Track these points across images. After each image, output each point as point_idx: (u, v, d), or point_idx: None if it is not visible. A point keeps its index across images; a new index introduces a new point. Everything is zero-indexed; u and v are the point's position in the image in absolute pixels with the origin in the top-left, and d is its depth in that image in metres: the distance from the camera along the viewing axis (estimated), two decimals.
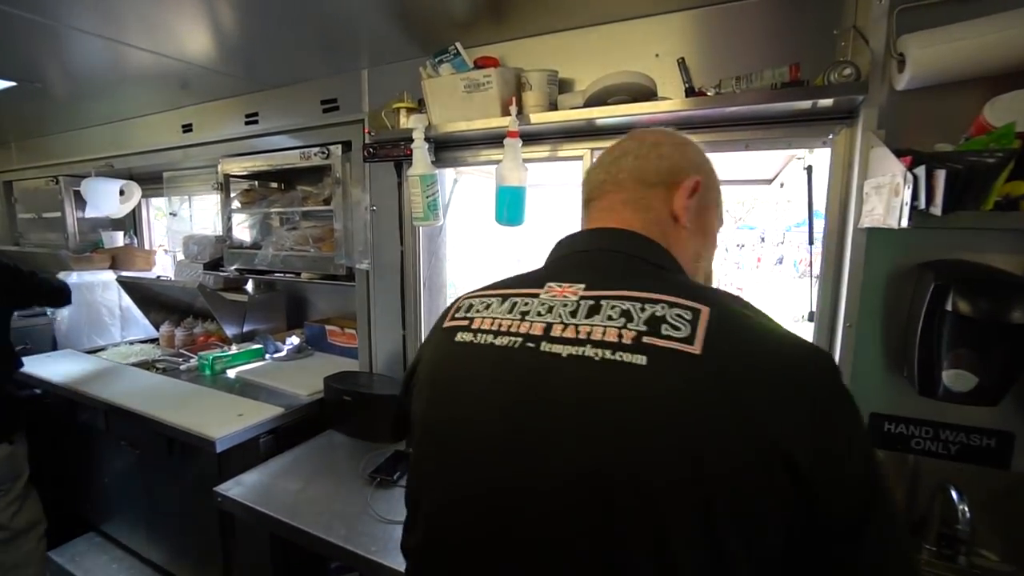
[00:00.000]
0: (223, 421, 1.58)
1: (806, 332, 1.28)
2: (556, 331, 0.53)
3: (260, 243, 2.25)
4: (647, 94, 1.22)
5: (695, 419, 0.44)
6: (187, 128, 2.33)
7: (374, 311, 1.94)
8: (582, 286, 0.57)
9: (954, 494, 0.96)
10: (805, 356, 0.48)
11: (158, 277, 2.61)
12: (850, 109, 1.13)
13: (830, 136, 1.19)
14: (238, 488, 1.34)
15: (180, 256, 2.72)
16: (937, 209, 0.74)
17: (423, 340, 0.71)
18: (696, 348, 0.46)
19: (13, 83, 2.00)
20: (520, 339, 0.55)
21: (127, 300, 2.75)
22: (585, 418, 0.48)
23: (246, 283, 2.61)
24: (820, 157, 1.40)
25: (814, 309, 1.25)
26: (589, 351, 0.50)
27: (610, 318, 0.51)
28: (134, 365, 2.21)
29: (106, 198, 2.61)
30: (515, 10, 1.36)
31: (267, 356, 2.28)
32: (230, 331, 2.42)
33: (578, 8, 1.35)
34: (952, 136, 0.98)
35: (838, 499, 0.44)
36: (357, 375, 1.90)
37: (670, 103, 1.19)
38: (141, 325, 2.85)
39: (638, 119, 1.28)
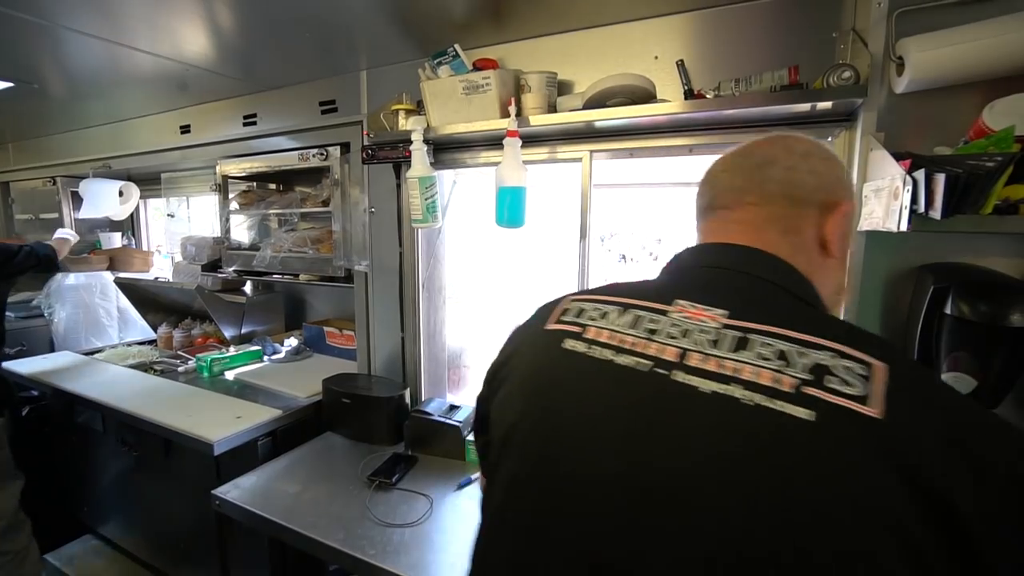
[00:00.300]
0: (221, 423, 1.57)
1: None
2: (693, 360, 0.46)
3: (258, 244, 2.25)
4: (646, 96, 1.22)
5: (877, 495, 0.36)
6: (185, 129, 2.33)
7: (373, 313, 1.94)
8: (723, 312, 0.49)
9: None
10: (1007, 442, 0.39)
11: (156, 278, 2.59)
12: (849, 112, 1.13)
13: (829, 139, 1.19)
14: (236, 491, 1.33)
15: (178, 257, 2.71)
16: (936, 213, 0.74)
17: (513, 333, 0.65)
18: (876, 411, 0.39)
19: (10, 84, 2.00)
20: (649, 362, 0.48)
21: (125, 301, 2.75)
22: (729, 475, 0.40)
23: (244, 284, 2.61)
24: None
25: None
26: (737, 391, 0.43)
27: (762, 357, 0.44)
28: (132, 367, 2.20)
29: (105, 199, 2.60)
30: (514, 12, 1.36)
31: (265, 358, 2.27)
32: (228, 333, 2.42)
33: (577, 10, 1.35)
34: (951, 139, 0.98)
35: None
36: (356, 377, 1.89)
37: (669, 105, 1.19)
38: (139, 327, 2.85)
39: (637, 121, 1.28)
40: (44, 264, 2.12)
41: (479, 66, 1.38)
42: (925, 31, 0.97)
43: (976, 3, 0.95)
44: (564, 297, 0.62)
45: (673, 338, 0.49)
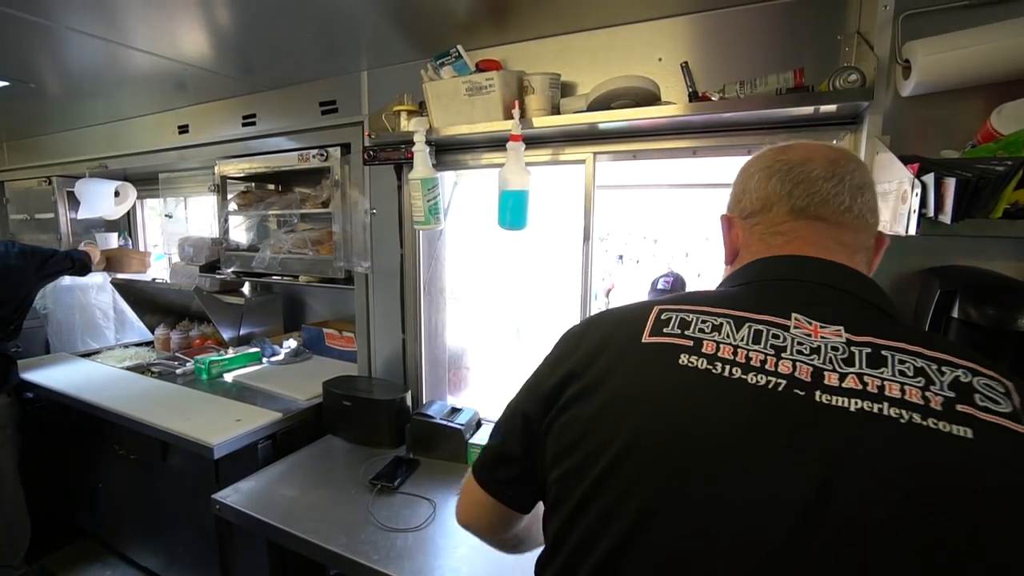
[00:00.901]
0: (221, 427, 1.56)
1: None
2: (831, 379, 0.44)
3: (257, 245, 2.23)
4: (651, 98, 1.22)
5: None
6: (183, 129, 2.31)
7: (373, 314, 1.93)
8: (839, 328, 0.48)
9: None
10: None
11: (153, 279, 2.57)
12: (854, 115, 1.13)
13: (834, 141, 1.18)
14: (236, 495, 1.32)
15: (176, 258, 2.69)
16: (947, 217, 0.74)
17: (575, 341, 0.58)
18: None
19: (7, 83, 1.97)
20: (783, 381, 0.45)
21: (121, 302, 2.72)
22: (891, 497, 0.39)
23: (242, 286, 2.59)
24: None
25: None
26: (890, 410, 0.41)
27: (903, 374, 0.43)
28: (128, 369, 2.19)
29: (101, 199, 2.58)
30: (517, 13, 1.36)
31: (264, 360, 2.26)
32: (226, 334, 2.40)
33: (580, 12, 1.34)
34: (957, 142, 0.98)
35: None
36: (356, 379, 1.88)
37: (674, 108, 1.18)
38: (136, 328, 2.82)
39: (641, 123, 1.28)
40: (78, 268, 2.18)
41: (482, 67, 1.37)
42: (931, 34, 0.97)
43: (984, 6, 0.95)
44: (646, 306, 0.56)
45: (803, 355, 0.46)
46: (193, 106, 2.27)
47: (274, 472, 1.45)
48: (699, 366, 0.48)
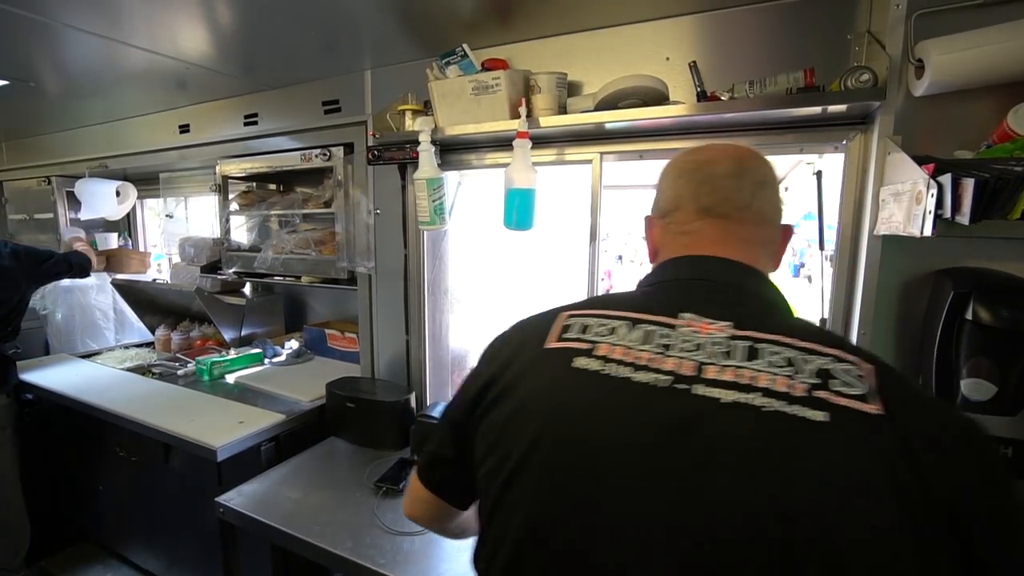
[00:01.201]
0: (223, 428, 1.55)
1: None
2: (710, 373, 0.48)
3: (259, 246, 2.22)
4: (659, 98, 1.21)
5: (885, 484, 0.41)
6: (184, 129, 2.29)
7: (376, 315, 1.91)
8: (728, 323, 0.52)
9: None
10: (971, 426, 0.47)
11: (154, 280, 2.56)
12: (864, 115, 1.12)
13: (843, 142, 1.17)
14: (239, 498, 1.31)
15: (176, 259, 2.68)
16: (965, 219, 0.73)
17: (495, 350, 0.62)
18: (877, 408, 0.44)
19: (6, 82, 1.96)
20: (668, 378, 0.49)
21: (121, 303, 2.71)
22: (757, 478, 0.43)
23: (243, 286, 2.58)
24: (830, 162, 1.40)
25: (826, 316, 1.24)
26: (758, 400, 0.45)
27: (774, 364, 0.47)
28: (129, 370, 2.17)
29: (101, 199, 2.56)
30: (523, 12, 1.34)
31: (266, 360, 2.24)
32: (228, 335, 2.39)
33: (587, 11, 1.33)
34: (970, 143, 0.97)
35: (1008, 558, 0.43)
36: (359, 381, 1.87)
37: (683, 107, 1.17)
38: (136, 328, 2.81)
39: (648, 123, 1.27)
40: (77, 271, 2.18)
41: (488, 66, 1.36)
42: (944, 33, 0.96)
43: (997, 5, 0.94)
44: (556, 313, 0.60)
45: (687, 352, 0.50)
46: (194, 105, 2.26)
47: (277, 474, 1.44)
48: (591, 368, 0.52)
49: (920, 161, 0.89)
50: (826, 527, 0.40)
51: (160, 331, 2.56)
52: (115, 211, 2.64)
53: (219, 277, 2.35)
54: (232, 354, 2.18)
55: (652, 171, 2.20)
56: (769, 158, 1.34)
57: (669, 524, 0.44)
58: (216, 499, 1.29)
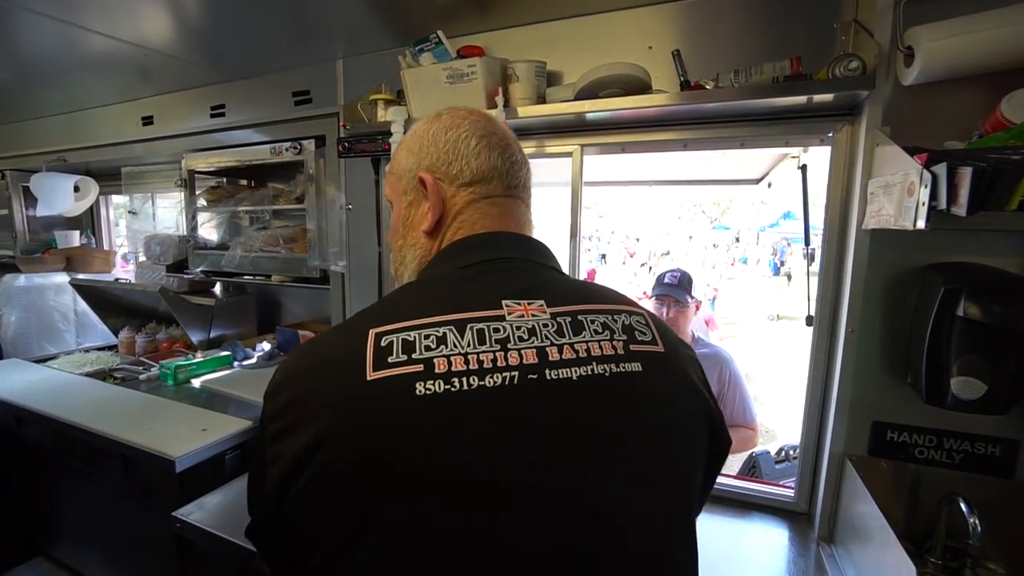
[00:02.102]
0: (185, 437, 1.45)
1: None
2: (553, 355, 0.49)
3: (227, 244, 2.12)
4: (641, 87, 1.16)
5: (681, 398, 0.55)
6: (147, 120, 2.19)
7: (351, 315, 1.83)
8: (541, 302, 0.53)
9: (964, 507, 0.91)
10: (688, 346, 0.62)
11: (116, 279, 2.43)
12: (852, 105, 1.08)
13: (830, 134, 1.14)
14: (200, 512, 1.22)
15: (142, 257, 2.56)
16: (961, 210, 0.69)
17: (295, 405, 0.48)
18: (661, 347, 0.55)
19: None
20: (516, 372, 0.47)
21: (83, 304, 2.57)
22: (631, 430, 0.50)
23: (213, 286, 2.47)
24: (815, 156, 1.37)
25: (813, 313, 1.21)
26: (598, 368, 0.50)
27: (597, 332, 0.52)
28: (88, 375, 2.05)
29: (59, 195, 2.43)
30: None
31: (236, 363, 2.14)
32: (195, 337, 2.27)
33: None
34: (960, 133, 0.94)
35: (724, 432, 0.60)
36: None
37: (666, 96, 1.13)
38: (99, 331, 2.67)
39: (630, 114, 1.22)
40: None
41: (463, 54, 1.30)
42: (933, 20, 0.93)
43: None
44: (363, 329, 0.49)
45: (524, 340, 0.49)
46: (158, 96, 2.15)
47: (243, 485, 1.35)
48: (437, 390, 0.45)
49: (911, 152, 0.86)
50: (673, 445, 0.52)
51: (124, 333, 2.43)
52: (73, 207, 2.51)
53: (186, 276, 2.24)
54: (199, 357, 2.07)
55: (637, 167, 2.17)
56: (747, 153, 1.31)
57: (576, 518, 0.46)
58: (172, 513, 1.21)
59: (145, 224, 2.64)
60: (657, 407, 0.52)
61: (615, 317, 0.54)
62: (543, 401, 0.47)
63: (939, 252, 1.02)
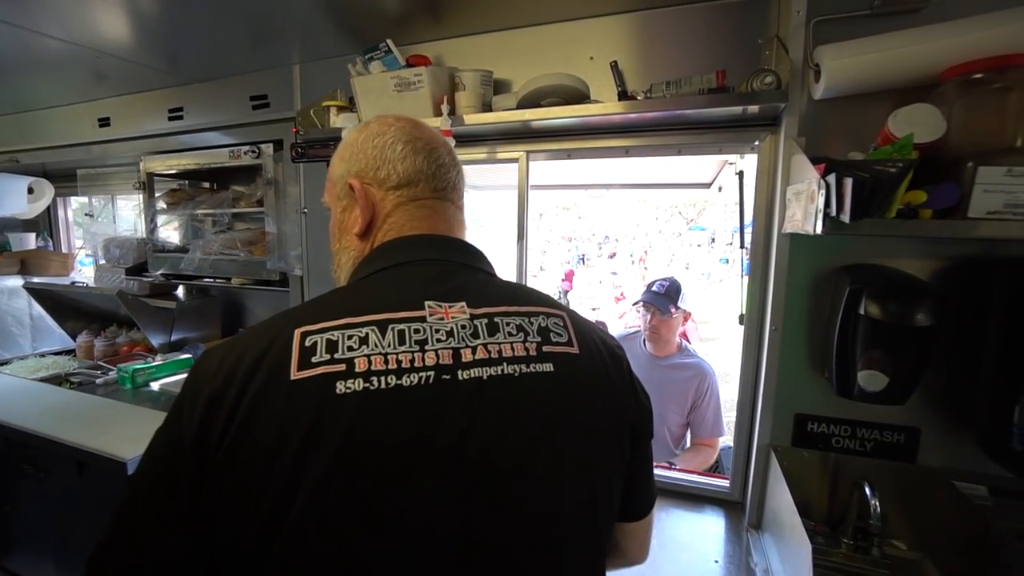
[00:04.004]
0: (138, 439, 1.45)
1: (740, 334, 1.31)
2: (467, 356, 0.51)
3: (189, 247, 2.11)
4: (579, 97, 1.21)
5: (594, 397, 0.56)
6: (104, 122, 2.16)
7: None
8: (462, 304, 0.55)
9: (867, 490, 0.99)
10: (617, 345, 0.63)
11: (72, 283, 2.40)
12: (773, 116, 1.15)
13: (756, 143, 1.21)
14: None
15: (101, 260, 2.52)
16: (846, 216, 0.76)
17: (215, 389, 0.48)
18: (576, 348, 0.56)
19: None
20: (432, 372, 0.49)
21: (39, 308, 2.52)
22: (538, 431, 0.51)
23: (176, 289, 2.45)
24: (751, 163, 1.44)
25: (743, 312, 1.28)
26: (508, 368, 0.52)
27: (510, 334, 0.54)
28: (43, 380, 2.02)
29: (11, 197, 2.38)
30: (451, 7, 1.33)
31: None
32: (156, 340, 2.26)
33: (514, 8, 1.32)
34: (864, 145, 1.02)
35: (644, 436, 0.62)
36: None
37: (601, 106, 1.18)
38: (57, 335, 2.62)
39: (573, 122, 1.27)
40: None
41: (412, 63, 1.33)
42: (840, 39, 1.00)
43: (887, 16, 0.99)
44: (289, 328, 0.50)
45: (442, 341, 0.52)
46: (115, 97, 2.13)
47: None
48: (357, 388, 0.47)
49: (817, 162, 0.92)
50: (582, 448, 0.54)
51: (82, 337, 2.39)
52: (27, 210, 2.46)
53: (145, 279, 2.22)
54: (158, 360, 2.06)
55: (608, 171, 2.23)
56: (694, 159, 1.36)
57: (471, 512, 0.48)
58: None
59: (105, 227, 2.61)
60: (567, 406, 0.53)
61: (531, 319, 0.56)
62: (451, 399, 0.49)
63: (852, 255, 1.10)
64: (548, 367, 0.53)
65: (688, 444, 1.97)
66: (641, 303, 1.99)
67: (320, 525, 0.44)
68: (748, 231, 1.33)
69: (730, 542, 1.19)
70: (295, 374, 0.47)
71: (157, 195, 2.20)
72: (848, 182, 0.74)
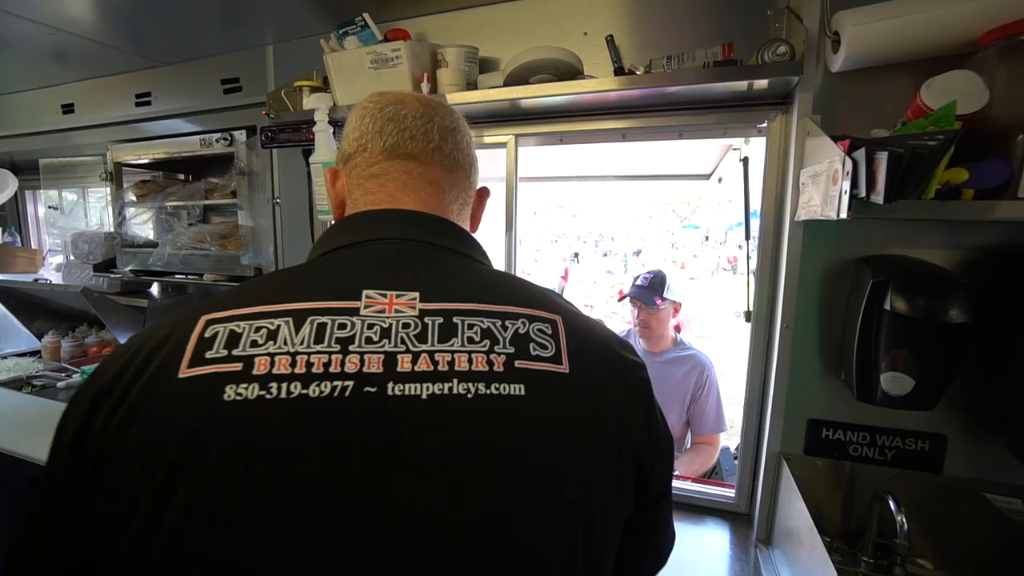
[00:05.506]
0: None
1: (741, 331, 1.21)
2: (404, 364, 0.40)
3: (156, 241, 1.99)
4: (572, 72, 1.11)
5: (574, 438, 0.42)
6: (68, 108, 2.03)
7: None
8: (414, 296, 0.44)
9: (892, 504, 0.89)
10: (635, 366, 0.48)
11: (35, 280, 2.27)
12: (785, 93, 1.05)
13: (765, 123, 1.11)
14: None
15: (70, 255, 2.39)
16: (879, 196, 0.66)
17: (103, 387, 0.40)
18: (564, 366, 0.43)
19: None
20: (351, 382, 0.38)
21: (2, 308, 2.39)
22: (474, 484, 0.38)
23: (149, 286, 2.32)
24: (756, 149, 1.34)
25: (751, 308, 1.18)
26: (460, 387, 0.39)
27: (471, 340, 0.42)
28: (1, 384, 1.89)
29: None
30: None
31: None
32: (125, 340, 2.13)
33: None
34: (887, 122, 0.92)
35: (659, 479, 0.48)
36: None
37: (596, 82, 1.08)
38: (24, 336, 2.49)
39: (565, 101, 1.16)
40: None
41: (390, 38, 1.22)
42: (863, 4, 0.90)
43: None
44: (196, 315, 0.42)
45: (373, 342, 0.41)
46: (78, 82, 2.00)
47: None
48: (250, 395, 0.37)
49: (836, 140, 0.83)
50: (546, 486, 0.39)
51: (48, 338, 2.26)
52: None
53: (113, 276, 2.10)
54: None
55: (603, 161, 2.13)
56: (695, 147, 1.25)
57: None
58: None
59: (76, 221, 2.47)
60: (536, 445, 0.40)
61: (507, 323, 0.44)
62: (371, 421, 0.38)
63: (871, 245, 1.00)
64: (518, 389, 0.40)
65: (689, 445, 1.88)
66: (629, 298, 1.91)
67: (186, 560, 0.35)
68: (754, 223, 1.23)
69: (737, 559, 1.10)
70: (183, 371, 0.39)
71: (126, 187, 2.07)
72: (882, 157, 0.64)
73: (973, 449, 0.98)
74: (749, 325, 1.18)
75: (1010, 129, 0.69)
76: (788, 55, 0.93)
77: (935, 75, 0.85)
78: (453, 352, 0.41)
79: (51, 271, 2.66)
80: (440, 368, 0.40)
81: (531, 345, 0.43)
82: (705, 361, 1.84)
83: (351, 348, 0.40)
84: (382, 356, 0.40)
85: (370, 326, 0.41)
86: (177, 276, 1.95)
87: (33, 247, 2.78)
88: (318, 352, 0.39)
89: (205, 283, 1.98)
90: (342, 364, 0.39)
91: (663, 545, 0.55)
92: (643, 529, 0.50)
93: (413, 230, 0.51)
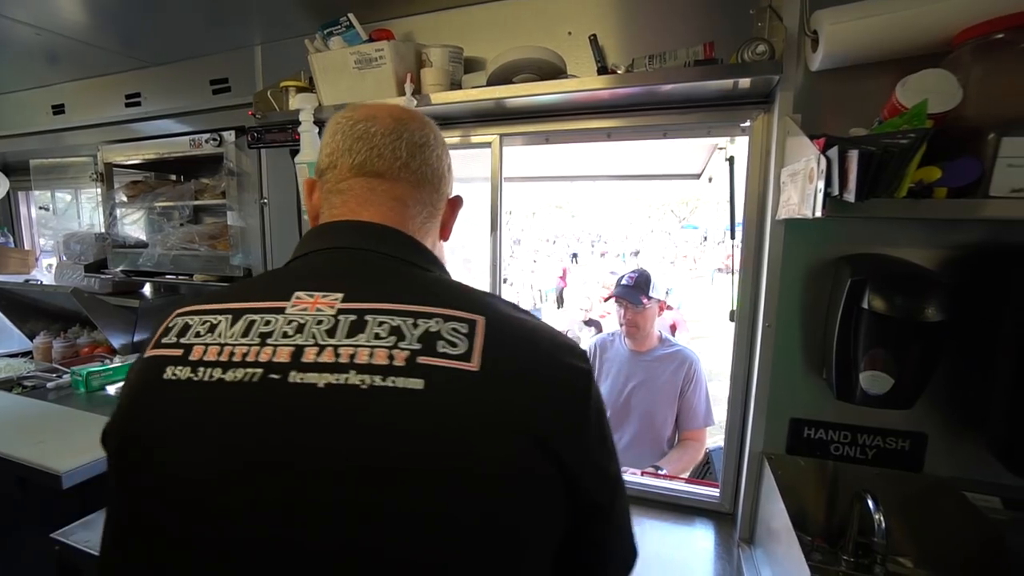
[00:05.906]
0: (79, 449, 1.33)
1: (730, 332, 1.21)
2: (309, 356, 0.43)
3: (147, 242, 1.99)
4: (555, 72, 1.11)
5: (474, 437, 0.41)
6: (58, 109, 2.03)
7: None
8: (338, 296, 0.47)
9: (870, 503, 0.89)
10: (574, 371, 0.47)
11: (26, 280, 2.27)
12: (767, 92, 1.06)
13: (747, 122, 1.11)
14: (86, 532, 1.12)
15: (62, 256, 2.39)
16: (851, 195, 0.66)
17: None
18: (474, 364, 0.43)
19: None
20: (260, 370, 0.43)
21: None
22: (363, 461, 0.40)
23: (142, 287, 2.32)
24: (742, 148, 1.34)
25: (734, 308, 1.18)
26: (354, 378, 0.42)
27: (378, 336, 0.44)
28: None
29: None
30: None
31: None
32: (117, 341, 2.13)
33: None
34: (866, 121, 0.92)
35: (590, 490, 0.46)
36: None
37: (579, 81, 1.08)
38: (16, 336, 2.48)
39: (550, 100, 1.17)
40: None
41: (375, 38, 1.22)
42: (842, 3, 0.90)
43: None
44: (173, 309, 0.51)
45: (287, 336, 0.45)
46: (69, 83, 2.00)
47: None
48: (181, 377, 0.44)
49: (814, 138, 0.83)
50: (426, 503, 0.39)
51: (40, 338, 2.26)
52: None
53: (104, 276, 2.10)
54: (117, 362, 1.94)
55: (597, 161, 2.13)
56: (684, 147, 1.24)
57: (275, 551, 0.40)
58: (51, 535, 1.10)
59: (68, 221, 2.47)
60: (428, 439, 0.40)
61: (419, 321, 0.44)
62: (272, 406, 0.42)
63: (853, 244, 1.00)
64: (416, 383, 0.41)
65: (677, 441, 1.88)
66: (614, 298, 1.91)
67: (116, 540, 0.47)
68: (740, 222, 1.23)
69: (720, 558, 1.10)
70: (148, 351, 0.48)
71: (117, 187, 2.07)
72: (854, 155, 0.64)
73: (953, 447, 0.98)
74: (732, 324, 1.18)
75: (982, 127, 0.69)
76: (768, 54, 0.93)
77: (912, 74, 0.85)
78: (357, 347, 0.43)
79: (44, 272, 2.66)
80: (341, 360, 0.42)
81: (439, 343, 0.43)
82: (691, 356, 1.85)
83: (268, 341, 0.44)
84: (292, 348, 0.44)
85: (289, 322, 0.45)
86: (167, 276, 1.95)
87: (26, 248, 2.78)
88: (242, 344, 0.45)
89: (195, 283, 1.99)
90: (257, 355, 0.44)
91: (613, 562, 0.53)
92: (584, 543, 0.49)
93: (360, 239, 0.54)
